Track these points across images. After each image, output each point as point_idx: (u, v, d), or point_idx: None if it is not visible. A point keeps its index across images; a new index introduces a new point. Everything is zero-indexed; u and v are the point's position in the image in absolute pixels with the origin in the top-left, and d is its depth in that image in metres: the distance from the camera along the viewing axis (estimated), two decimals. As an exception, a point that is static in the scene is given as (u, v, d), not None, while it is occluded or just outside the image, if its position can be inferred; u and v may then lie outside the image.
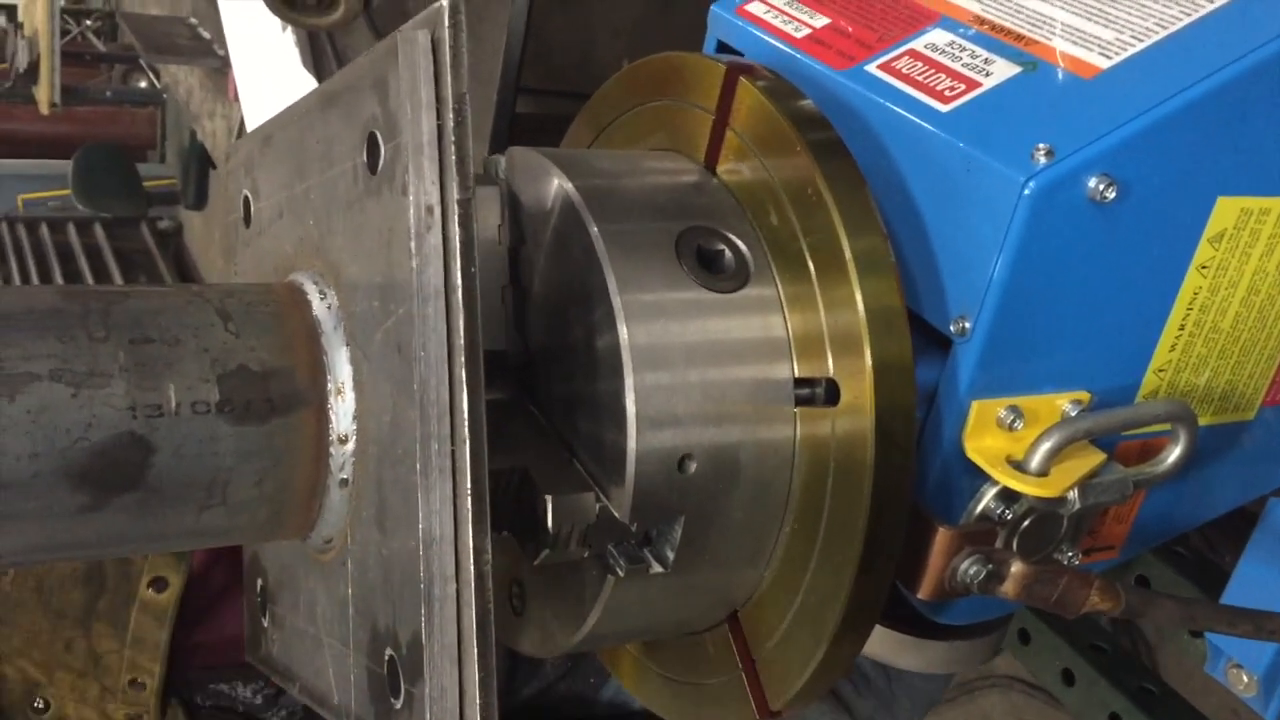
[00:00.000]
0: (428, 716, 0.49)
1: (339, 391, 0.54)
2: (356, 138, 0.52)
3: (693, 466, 0.55)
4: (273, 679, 0.66)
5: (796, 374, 0.56)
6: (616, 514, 0.55)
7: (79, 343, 0.49)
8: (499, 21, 1.20)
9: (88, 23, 5.23)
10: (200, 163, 3.81)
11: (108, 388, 0.49)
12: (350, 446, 0.54)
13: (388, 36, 0.51)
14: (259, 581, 0.67)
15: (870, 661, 1.26)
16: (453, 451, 0.47)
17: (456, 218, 0.47)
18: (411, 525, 0.48)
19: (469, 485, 0.47)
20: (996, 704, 1.77)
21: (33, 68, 3.74)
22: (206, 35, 2.18)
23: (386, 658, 0.52)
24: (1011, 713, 1.76)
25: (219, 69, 2.15)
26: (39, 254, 4.89)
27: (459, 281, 0.47)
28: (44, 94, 3.71)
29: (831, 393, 0.55)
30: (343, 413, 0.54)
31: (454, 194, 0.47)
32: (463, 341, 0.47)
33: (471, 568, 0.47)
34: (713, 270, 0.57)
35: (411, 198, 0.48)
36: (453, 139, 0.47)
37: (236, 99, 2.04)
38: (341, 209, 0.54)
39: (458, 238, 0.47)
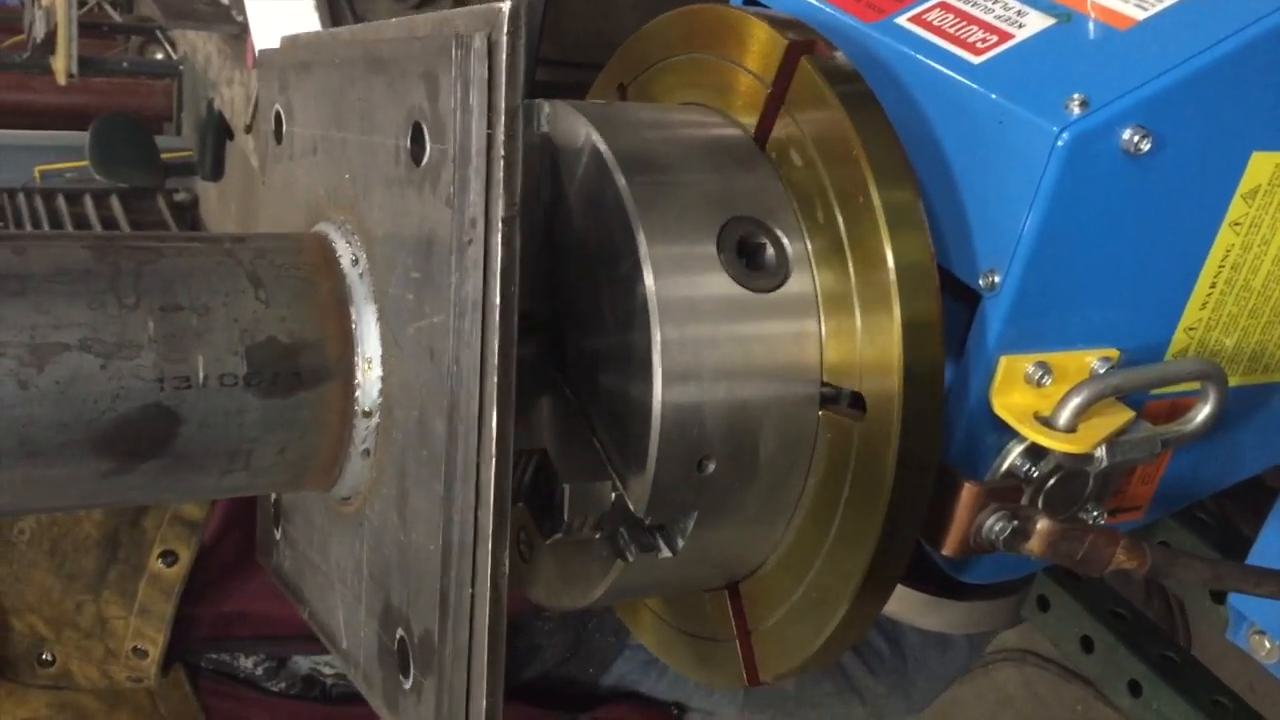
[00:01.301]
0: (434, 707, 0.49)
1: (367, 365, 0.53)
2: (401, 119, 0.50)
3: (711, 466, 0.55)
4: (284, 592, 0.67)
5: (825, 378, 0.56)
6: (633, 507, 0.55)
7: (109, 310, 0.48)
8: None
9: (104, -6, 5.22)
10: (217, 133, 3.80)
11: (137, 359, 0.48)
12: (375, 420, 0.54)
13: (441, 23, 0.48)
14: (273, 494, 0.68)
15: (885, 640, 1.25)
16: (478, 465, 0.47)
17: (500, 235, 0.45)
18: (432, 529, 0.49)
19: (492, 500, 0.46)
20: (1010, 677, 1.77)
21: (50, 38, 3.74)
22: (225, 1, 2.17)
23: (398, 636, 0.53)
24: (1025, 685, 1.76)
25: (237, 36, 2.15)
26: (56, 225, 4.90)
27: (497, 301, 0.46)
28: (61, 65, 3.70)
29: (857, 402, 0.54)
30: (369, 386, 0.53)
31: (499, 210, 0.45)
32: (496, 362, 0.46)
33: (488, 578, 0.47)
34: (751, 264, 0.56)
35: (455, 208, 0.46)
36: (502, 153, 0.45)
37: (254, 66, 2.03)
38: (381, 182, 0.53)
39: (500, 255, 0.46)
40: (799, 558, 0.58)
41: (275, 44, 0.66)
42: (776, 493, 0.57)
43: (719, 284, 0.54)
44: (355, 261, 0.55)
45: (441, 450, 0.48)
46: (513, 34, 0.45)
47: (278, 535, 0.67)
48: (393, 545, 0.53)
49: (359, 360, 0.53)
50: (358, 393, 0.53)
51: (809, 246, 0.56)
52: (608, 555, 0.58)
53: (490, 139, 0.45)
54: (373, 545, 0.55)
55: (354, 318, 0.53)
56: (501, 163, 0.45)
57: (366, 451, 0.54)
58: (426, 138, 0.48)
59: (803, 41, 0.57)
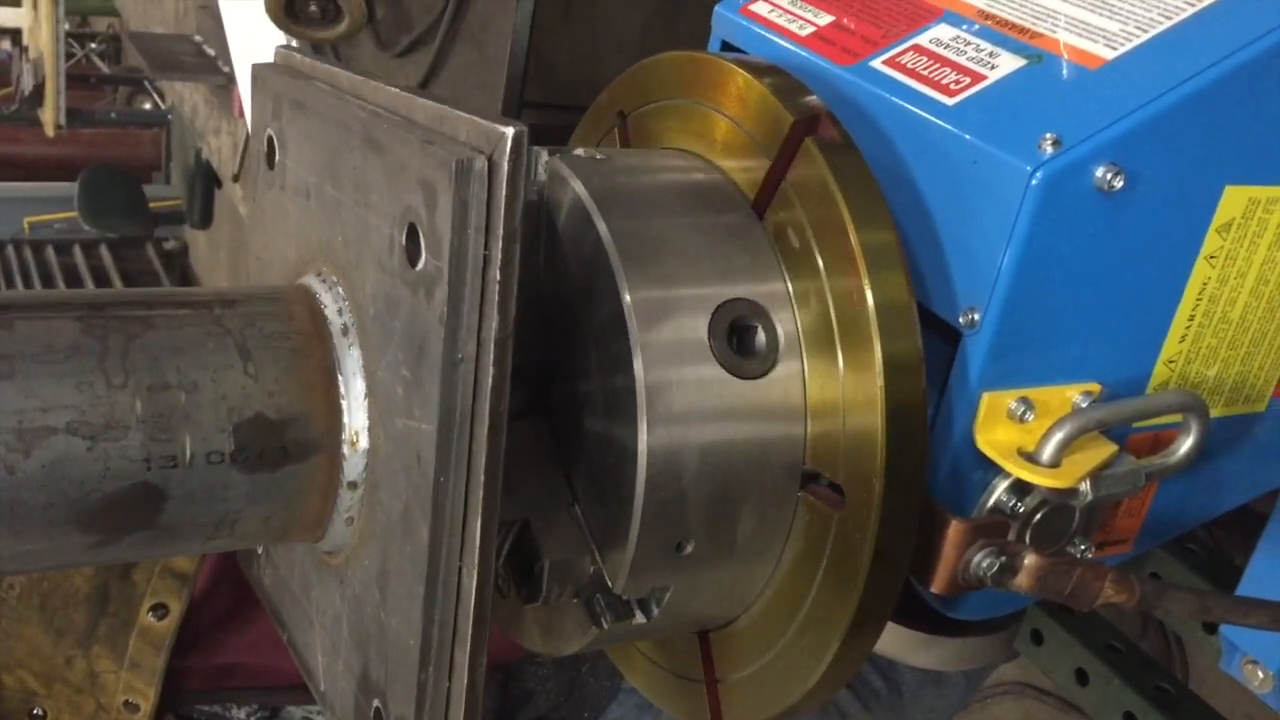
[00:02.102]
0: None
1: (354, 437, 0.53)
2: (397, 213, 0.49)
3: (690, 547, 0.55)
4: (264, 606, 0.66)
5: (808, 419, 0.56)
6: (611, 585, 0.56)
7: (97, 390, 0.48)
8: (503, 31, 1.20)
9: (92, 45, 5.27)
10: (205, 181, 3.82)
11: (124, 440, 0.48)
12: (360, 492, 0.53)
13: (441, 118, 0.48)
14: None
15: (881, 677, 1.25)
16: (460, 572, 0.47)
17: (492, 356, 0.45)
18: (412, 625, 0.49)
19: (472, 606, 0.47)
20: (1009, 710, 1.76)
21: (38, 90, 3.76)
22: (211, 52, 2.19)
23: (374, 706, 0.53)
24: (1024, 718, 1.75)
25: (224, 85, 2.17)
26: (45, 276, 4.91)
27: (486, 420, 0.45)
28: (49, 116, 3.73)
29: (837, 489, 0.55)
30: (355, 460, 0.53)
31: (493, 332, 0.45)
32: (483, 479, 0.46)
33: (466, 677, 0.47)
34: (741, 348, 0.56)
35: (447, 327, 0.46)
36: (498, 277, 0.45)
37: (241, 115, 2.05)
38: (375, 264, 0.52)
39: (491, 375, 0.45)
40: (770, 627, 0.59)
41: (269, 57, 0.65)
42: (751, 568, 0.58)
43: (707, 370, 0.54)
44: (345, 331, 0.54)
45: (424, 553, 0.48)
46: (514, 159, 0.44)
47: (259, 550, 0.67)
48: (373, 620, 0.53)
49: (346, 432, 0.53)
50: (344, 464, 0.53)
51: (791, 290, 0.57)
52: (584, 618, 0.59)
53: (487, 260, 0.45)
54: (353, 608, 0.55)
55: (342, 390, 0.53)
56: (497, 286, 0.45)
57: (350, 519, 0.54)
58: (422, 245, 0.47)
59: (806, 120, 0.57)
